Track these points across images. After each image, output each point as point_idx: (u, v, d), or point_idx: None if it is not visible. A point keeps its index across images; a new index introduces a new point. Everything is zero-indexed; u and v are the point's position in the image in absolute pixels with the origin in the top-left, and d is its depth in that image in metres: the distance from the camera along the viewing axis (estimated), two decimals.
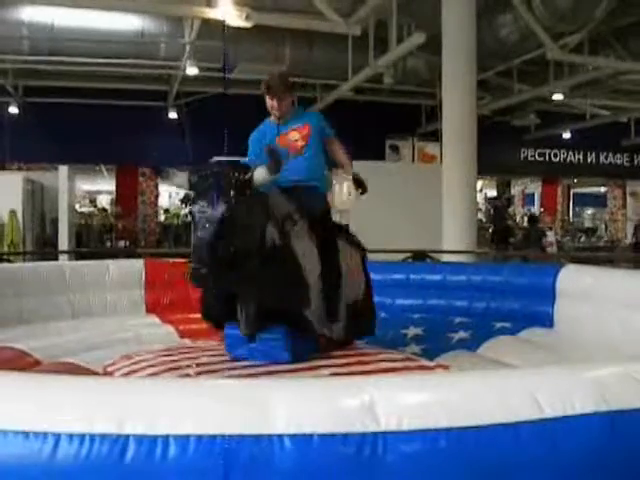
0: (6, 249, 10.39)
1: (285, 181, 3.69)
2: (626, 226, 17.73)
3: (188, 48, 9.69)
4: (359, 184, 4.04)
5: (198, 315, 3.77)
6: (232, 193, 3.21)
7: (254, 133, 3.98)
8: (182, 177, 15.58)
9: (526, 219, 16.07)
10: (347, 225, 4.39)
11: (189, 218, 15.14)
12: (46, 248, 11.58)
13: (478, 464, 1.45)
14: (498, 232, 14.80)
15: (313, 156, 3.90)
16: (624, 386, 1.60)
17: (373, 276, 5.69)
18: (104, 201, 18.94)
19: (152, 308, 5.41)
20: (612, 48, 9.81)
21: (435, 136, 12.31)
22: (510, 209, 17.74)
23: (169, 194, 21.52)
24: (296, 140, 3.85)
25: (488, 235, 14.80)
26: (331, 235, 3.86)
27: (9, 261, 5.84)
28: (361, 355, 3.80)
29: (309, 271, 3.48)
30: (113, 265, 5.52)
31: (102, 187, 19.10)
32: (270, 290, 3.27)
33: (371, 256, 6.65)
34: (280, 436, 1.38)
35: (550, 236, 14.60)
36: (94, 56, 10.11)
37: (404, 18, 9.06)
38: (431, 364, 3.75)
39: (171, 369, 3.49)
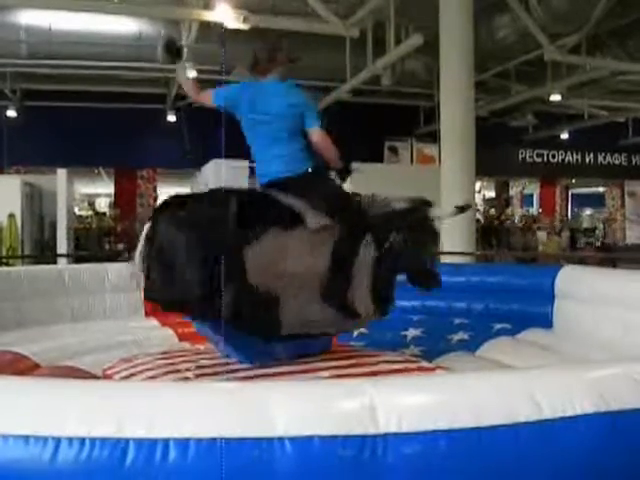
0: (5, 253, 10.37)
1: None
2: (625, 226, 17.75)
3: (185, 51, 9.69)
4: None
5: None
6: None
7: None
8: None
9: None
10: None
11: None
12: (45, 252, 11.55)
13: (478, 465, 1.45)
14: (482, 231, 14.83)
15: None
16: (623, 386, 1.60)
17: None
18: (103, 204, 18.90)
19: (151, 311, 5.40)
20: (609, 48, 9.83)
21: (433, 137, 12.30)
22: (508, 210, 17.73)
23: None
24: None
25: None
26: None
27: (8, 265, 5.82)
28: (361, 357, 3.79)
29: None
30: (112, 268, 5.51)
31: (101, 190, 19.08)
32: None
33: None
34: (280, 439, 1.38)
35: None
36: (92, 59, 10.11)
37: (402, 20, 9.07)
38: (431, 365, 3.75)
39: (170, 372, 3.49)
